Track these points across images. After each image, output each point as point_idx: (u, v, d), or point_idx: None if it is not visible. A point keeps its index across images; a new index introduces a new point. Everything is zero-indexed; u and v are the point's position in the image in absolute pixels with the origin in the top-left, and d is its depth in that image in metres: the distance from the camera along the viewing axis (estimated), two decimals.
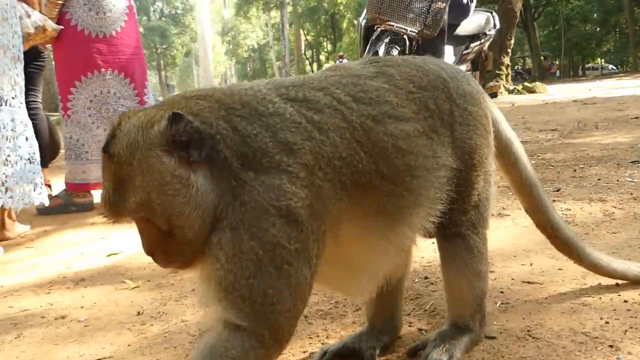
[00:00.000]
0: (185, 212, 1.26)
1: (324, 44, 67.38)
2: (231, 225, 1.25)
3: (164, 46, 66.39)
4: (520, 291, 2.18)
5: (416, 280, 2.40)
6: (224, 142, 1.28)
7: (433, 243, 2.77)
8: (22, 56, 3.70)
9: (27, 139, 3.65)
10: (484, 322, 1.79)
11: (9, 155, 3.50)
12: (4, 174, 3.47)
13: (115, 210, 1.31)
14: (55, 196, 4.95)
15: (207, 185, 1.27)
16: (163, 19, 68.88)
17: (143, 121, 1.30)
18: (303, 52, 61.81)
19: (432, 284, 2.36)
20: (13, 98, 3.55)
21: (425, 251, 2.73)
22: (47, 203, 3.82)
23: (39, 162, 3.74)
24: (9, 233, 3.97)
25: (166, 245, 1.33)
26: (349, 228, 1.43)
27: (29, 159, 3.63)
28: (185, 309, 2.35)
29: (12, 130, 3.52)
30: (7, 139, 3.49)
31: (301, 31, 62.27)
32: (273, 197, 1.25)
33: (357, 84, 1.50)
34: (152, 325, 2.22)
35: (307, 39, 66.27)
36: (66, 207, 4.82)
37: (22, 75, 3.67)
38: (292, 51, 57.13)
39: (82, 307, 2.50)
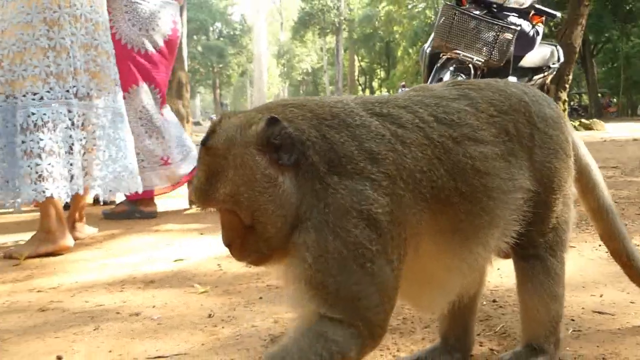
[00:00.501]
0: (269, 210, 1.34)
1: (378, 70, 67.68)
2: (315, 226, 1.32)
3: (220, 65, 67.68)
4: (591, 320, 2.17)
5: (484, 303, 2.41)
6: (313, 148, 1.35)
7: (499, 269, 2.80)
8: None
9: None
10: (558, 345, 1.79)
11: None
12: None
13: (204, 198, 1.41)
14: (120, 203, 5.13)
15: (292, 188, 1.35)
16: (221, 39, 70.40)
17: (242, 121, 1.39)
18: (356, 78, 62.19)
19: (500, 307, 2.37)
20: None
21: (492, 276, 2.74)
22: (140, 191, 4.35)
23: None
24: (79, 234, 4.13)
25: (245, 239, 1.41)
26: (427, 243, 1.47)
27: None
28: (255, 315, 2.42)
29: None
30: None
31: (355, 57, 62.73)
32: (355, 200, 1.32)
33: (440, 105, 1.55)
34: (223, 327, 2.29)
35: (361, 65, 66.69)
36: (131, 214, 4.99)
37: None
38: (345, 76, 57.58)
39: (153, 307, 2.60)
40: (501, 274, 2.78)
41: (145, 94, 4.99)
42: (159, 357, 2.05)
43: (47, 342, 2.21)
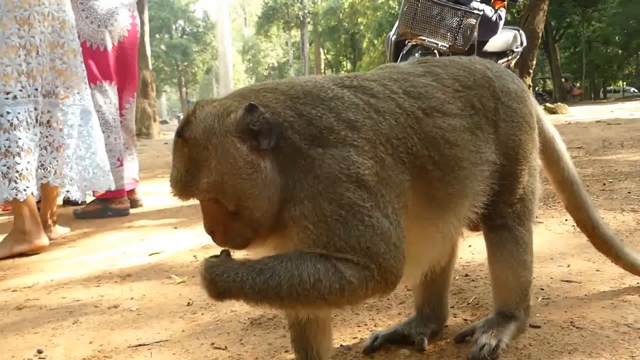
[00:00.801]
0: (254, 195, 1.38)
1: (344, 63, 67.79)
2: (309, 197, 1.37)
3: (185, 63, 67.11)
4: (560, 289, 2.25)
5: (457, 277, 2.48)
6: (292, 128, 1.41)
7: (470, 245, 2.88)
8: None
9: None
10: (528, 311, 1.86)
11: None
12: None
13: (186, 189, 1.43)
14: (91, 202, 5.10)
15: (275, 170, 1.40)
16: (185, 36, 69.74)
17: (219, 110, 1.42)
18: (323, 70, 62.18)
19: (473, 280, 2.44)
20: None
21: (464, 252, 2.82)
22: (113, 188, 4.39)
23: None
24: (52, 234, 4.10)
25: (229, 225, 1.45)
26: (410, 210, 1.52)
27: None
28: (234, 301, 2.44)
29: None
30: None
31: (321, 50, 62.76)
32: (343, 166, 1.38)
33: (407, 80, 1.62)
34: (202, 314, 2.32)
35: (327, 58, 66.72)
36: (103, 212, 4.96)
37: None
38: (311, 70, 57.54)
39: (132, 298, 2.61)
40: (472, 250, 2.86)
41: (104, 92, 4.94)
42: (141, 344, 2.07)
43: (26, 338, 2.22)
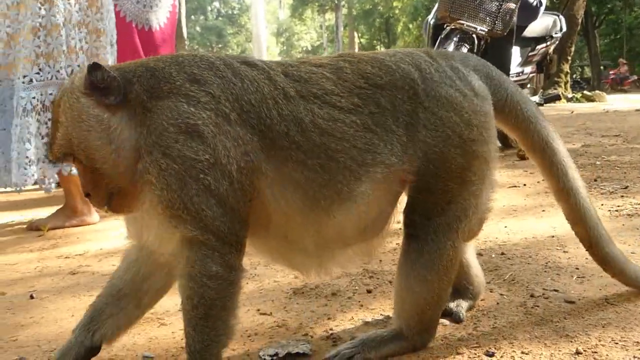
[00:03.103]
0: (99, 147, 1.50)
1: (378, 47, 67.32)
2: (146, 150, 1.46)
3: (220, 45, 67.39)
4: (594, 268, 2.29)
5: (493, 255, 2.56)
6: (139, 83, 1.51)
7: (506, 226, 2.94)
8: (114, 40, 4.03)
9: None
10: (425, 336, 1.72)
11: None
12: None
13: (50, 149, 1.58)
14: None
15: (124, 125, 1.50)
16: (220, 18, 69.98)
17: (75, 74, 1.59)
18: None
19: (509, 258, 2.51)
20: None
21: (499, 232, 2.89)
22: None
23: None
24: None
25: (96, 184, 1.55)
26: (267, 188, 1.52)
27: None
28: (275, 272, 2.56)
29: None
30: None
31: (355, 34, 62.38)
32: (170, 116, 1.46)
33: (295, 65, 1.63)
34: (247, 283, 2.43)
35: (360, 42, 66.30)
36: None
37: (115, 58, 4.00)
38: None
39: None
40: (508, 231, 2.93)
41: None
42: None
43: (82, 300, 2.36)
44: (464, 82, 1.65)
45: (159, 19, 5.07)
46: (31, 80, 3.57)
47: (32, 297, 2.43)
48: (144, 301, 1.74)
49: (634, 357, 1.60)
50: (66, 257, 3.06)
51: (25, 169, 3.54)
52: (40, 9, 3.53)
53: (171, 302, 2.23)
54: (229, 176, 1.44)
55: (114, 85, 1.49)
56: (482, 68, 1.78)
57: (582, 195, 1.88)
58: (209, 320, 1.49)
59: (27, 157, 3.54)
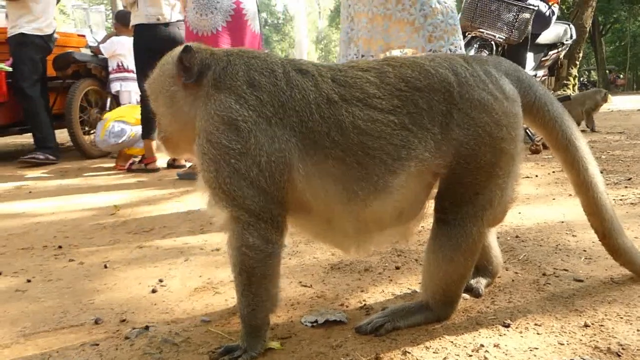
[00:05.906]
0: (164, 113, 1.66)
1: None
2: (198, 133, 1.52)
3: (266, 50, 67.50)
4: (600, 251, 2.21)
5: (508, 238, 2.51)
6: (214, 71, 1.55)
7: (520, 213, 2.88)
8: None
9: None
10: (448, 308, 1.71)
11: None
12: None
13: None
14: (191, 166, 5.27)
15: (187, 101, 1.58)
16: (266, 27, 70.04)
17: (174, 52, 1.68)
18: None
19: (522, 241, 2.46)
20: None
21: (514, 217, 2.83)
22: None
23: None
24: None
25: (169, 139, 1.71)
26: (302, 182, 1.50)
27: None
28: (315, 249, 2.55)
29: None
30: None
31: None
32: (218, 108, 1.49)
33: (344, 70, 1.59)
34: (290, 259, 2.43)
35: None
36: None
37: None
38: None
39: None
40: (522, 217, 2.87)
41: None
42: None
43: (148, 270, 2.39)
44: (495, 86, 1.60)
45: (219, 21, 4.97)
46: None
47: (105, 266, 2.48)
48: None
49: (637, 330, 1.55)
50: (135, 233, 3.10)
51: None
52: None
53: (224, 273, 2.26)
54: (258, 165, 1.45)
55: (193, 67, 1.56)
56: (513, 72, 1.71)
57: (600, 190, 1.82)
58: (252, 287, 1.51)
59: None
